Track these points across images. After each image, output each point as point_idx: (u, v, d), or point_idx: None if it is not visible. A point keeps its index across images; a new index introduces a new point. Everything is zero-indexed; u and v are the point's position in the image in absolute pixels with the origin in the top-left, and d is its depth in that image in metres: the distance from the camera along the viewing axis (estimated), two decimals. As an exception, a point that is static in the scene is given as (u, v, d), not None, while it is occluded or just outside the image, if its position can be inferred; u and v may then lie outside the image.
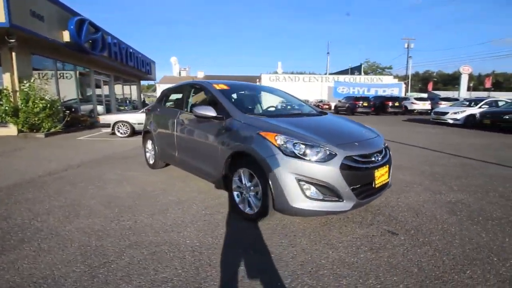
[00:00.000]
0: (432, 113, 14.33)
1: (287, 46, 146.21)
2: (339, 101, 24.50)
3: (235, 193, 2.75)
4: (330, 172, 2.20)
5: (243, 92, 3.75)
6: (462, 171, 4.47)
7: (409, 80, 37.13)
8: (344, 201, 2.25)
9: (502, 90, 49.05)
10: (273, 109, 3.80)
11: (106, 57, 11.95)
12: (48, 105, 8.47)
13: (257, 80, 36.09)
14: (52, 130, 8.78)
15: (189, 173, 3.79)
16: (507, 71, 66.77)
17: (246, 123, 2.69)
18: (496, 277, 1.79)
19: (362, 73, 41.45)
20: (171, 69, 45.27)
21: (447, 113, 12.91)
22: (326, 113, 3.50)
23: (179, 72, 46.75)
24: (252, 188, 2.54)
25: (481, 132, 10.18)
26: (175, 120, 3.74)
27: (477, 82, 54.37)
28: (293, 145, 2.27)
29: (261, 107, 3.74)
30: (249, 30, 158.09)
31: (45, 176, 4.24)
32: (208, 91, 3.42)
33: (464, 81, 34.14)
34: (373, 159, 2.46)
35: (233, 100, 3.31)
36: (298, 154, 2.24)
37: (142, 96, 21.01)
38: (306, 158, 2.23)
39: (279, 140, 2.32)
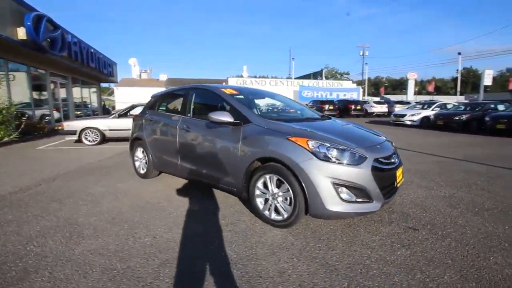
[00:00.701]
0: (392, 116, 15.62)
1: (250, 50, 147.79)
2: (306, 104, 25.48)
3: (258, 200, 2.69)
4: (363, 175, 2.27)
5: (251, 97, 3.70)
6: (440, 168, 4.95)
7: (366, 85, 40.12)
8: (374, 201, 2.34)
9: (441, 94, 55.52)
10: (286, 114, 3.81)
11: (65, 57, 10.83)
12: (3, 111, 7.39)
13: (224, 83, 35.90)
14: (6, 139, 7.67)
15: (191, 181, 3.62)
16: (444, 77, 75.87)
17: (269, 128, 2.66)
18: (517, 262, 2.02)
19: (324, 78, 43.67)
20: (130, 71, 42.60)
21: (405, 115, 14.22)
22: (331, 118, 3.61)
23: (140, 75, 44.26)
24: (280, 194, 2.50)
25: (436, 132, 11.39)
26: (177, 126, 3.54)
27: (420, 87, 60.84)
28: (326, 149, 2.31)
29: (276, 112, 3.67)
30: (212, 33, 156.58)
31: (17, 193, 3.69)
32: (218, 95, 3.31)
33: (411, 86, 38.08)
34: (392, 160, 2.61)
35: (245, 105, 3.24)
36: (332, 158, 2.28)
37: (102, 100, 19.45)
38: (339, 161, 2.27)
39: (312, 145, 2.34)
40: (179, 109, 3.75)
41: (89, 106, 16.55)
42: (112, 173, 4.75)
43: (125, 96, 35.83)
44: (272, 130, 2.62)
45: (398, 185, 2.62)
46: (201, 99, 3.68)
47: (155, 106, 4.29)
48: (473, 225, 2.62)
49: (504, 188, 3.76)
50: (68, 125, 8.15)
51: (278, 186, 2.52)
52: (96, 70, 13.81)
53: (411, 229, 2.55)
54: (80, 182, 4.18)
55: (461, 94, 39.51)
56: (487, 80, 27.10)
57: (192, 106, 3.62)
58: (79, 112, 14.78)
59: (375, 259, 2.05)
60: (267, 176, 2.57)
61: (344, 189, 2.26)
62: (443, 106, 14.39)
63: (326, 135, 2.49)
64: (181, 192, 3.67)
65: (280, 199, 2.52)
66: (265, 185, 2.62)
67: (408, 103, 22.31)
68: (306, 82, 37.46)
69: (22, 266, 2.02)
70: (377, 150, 2.51)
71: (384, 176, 2.44)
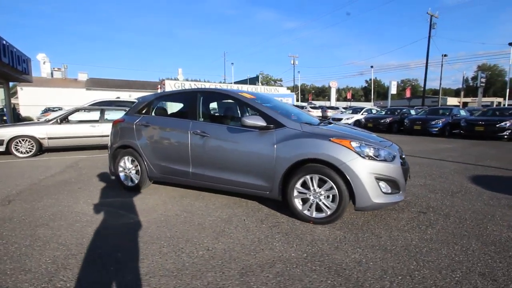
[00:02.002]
0: (331, 119, 17.54)
1: (183, 53, 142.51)
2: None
3: (296, 200, 2.80)
4: (396, 169, 2.65)
5: (268, 103, 3.72)
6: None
7: (299, 92, 43.61)
8: (401, 192, 2.74)
9: (355, 101, 64.73)
10: (300, 117, 3.93)
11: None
12: None
13: (159, 86, 33.69)
14: None
15: (210, 188, 3.44)
16: (355, 86, 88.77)
17: (306, 131, 2.80)
18: None
19: (260, 83, 45.58)
20: (38, 68, 35.90)
21: (342, 119, 16.20)
22: (332, 122, 3.97)
23: (51, 73, 37.74)
24: (323, 192, 2.67)
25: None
26: (189, 132, 3.33)
27: (338, 94, 69.67)
28: (368, 148, 2.60)
29: (298, 116, 3.63)
30: (144, 34, 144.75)
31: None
32: (238, 99, 3.29)
33: (333, 93, 43.18)
34: (404, 157, 3.08)
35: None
36: (373, 156, 2.58)
37: (13, 104, 15.82)
38: (379, 159, 2.59)
39: (355, 145, 2.59)
40: (187, 113, 3.53)
41: (5, 109, 13.37)
42: (87, 188, 4.08)
43: (32, 98, 29.89)
44: (311, 133, 2.77)
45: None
46: (217, 103, 3.56)
47: (149, 110, 3.90)
48: (458, 205, 3.30)
49: (452, 175, 4.79)
50: (-12, 133, 6.50)
51: (320, 186, 2.69)
52: (9, 66, 11.22)
53: (421, 213, 3.06)
54: (53, 203, 3.47)
55: (369, 101, 47.01)
56: (393, 89, 33.01)
57: (203, 110, 3.47)
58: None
59: (417, 239, 2.42)
60: (308, 177, 2.71)
61: (383, 183, 2.58)
62: (369, 111, 16.95)
63: (359, 136, 2.79)
64: (192, 201, 3.45)
65: (322, 197, 2.69)
66: (304, 185, 2.75)
67: (337, 108, 25.32)
68: (244, 87, 38.57)
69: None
70: (395, 150, 2.94)
71: (406, 170, 2.88)
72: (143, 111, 3.94)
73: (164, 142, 3.57)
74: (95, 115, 7.73)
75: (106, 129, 7.12)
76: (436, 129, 11.58)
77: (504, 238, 2.45)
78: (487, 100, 43.67)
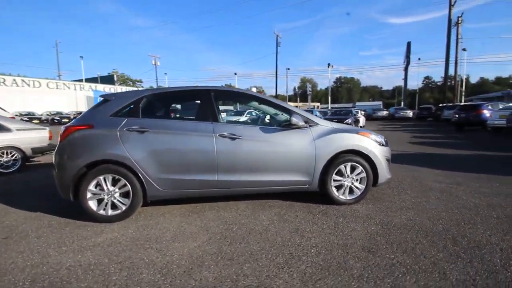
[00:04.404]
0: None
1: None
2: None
3: (334, 188, 3.20)
4: (390, 151, 3.57)
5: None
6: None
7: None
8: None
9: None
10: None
11: None
12: None
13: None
14: None
15: (240, 194, 3.19)
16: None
17: (336, 128, 3.24)
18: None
19: (116, 83, 39.77)
20: None
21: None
22: None
23: None
24: (354, 177, 3.22)
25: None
26: (213, 135, 2.96)
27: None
28: (379, 138, 3.37)
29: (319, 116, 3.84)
30: None
31: None
32: (263, 99, 3.27)
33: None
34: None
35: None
36: (383, 143, 3.38)
37: None
38: (384, 145, 3.42)
39: (373, 137, 3.31)
40: (202, 115, 3.08)
41: None
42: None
43: None
44: (341, 129, 3.25)
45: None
46: (229, 103, 3.29)
47: (135, 111, 3.03)
48: (441, 194, 3.96)
49: (421, 164, 6.00)
50: None
51: (351, 172, 3.22)
52: None
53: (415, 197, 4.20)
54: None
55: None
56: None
57: (219, 111, 3.14)
58: None
59: (431, 207, 3.30)
60: (341, 166, 3.18)
61: (387, 162, 3.44)
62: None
63: (365, 130, 3.55)
64: (209, 214, 3.09)
65: (354, 181, 3.24)
66: (340, 174, 3.20)
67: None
68: (100, 86, 32.12)
69: None
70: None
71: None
72: (125, 113, 3.02)
73: (178, 149, 2.94)
74: None
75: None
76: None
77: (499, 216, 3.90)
78: (307, 104, 58.11)
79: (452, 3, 24.77)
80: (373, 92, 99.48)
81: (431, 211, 3.06)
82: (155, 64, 45.24)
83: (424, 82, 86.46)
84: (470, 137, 11.03)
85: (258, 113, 4.10)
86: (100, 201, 2.88)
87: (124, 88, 36.82)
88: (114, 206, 2.90)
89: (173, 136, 2.96)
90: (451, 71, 27.44)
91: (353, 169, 3.22)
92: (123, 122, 2.93)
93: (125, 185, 2.88)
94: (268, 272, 1.96)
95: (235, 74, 43.03)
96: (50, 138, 6.06)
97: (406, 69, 35.88)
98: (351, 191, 3.26)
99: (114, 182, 2.88)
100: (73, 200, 2.88)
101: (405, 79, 37.23)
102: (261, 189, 3.14)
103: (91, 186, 2.83)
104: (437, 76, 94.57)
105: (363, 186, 3.25)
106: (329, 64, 42.74)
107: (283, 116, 3.35)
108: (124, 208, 2.90)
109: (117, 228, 2.75)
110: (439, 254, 2.16)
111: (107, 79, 39.10)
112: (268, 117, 4.32)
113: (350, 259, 2.11)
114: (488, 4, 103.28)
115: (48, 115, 25.61)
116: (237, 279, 1.89)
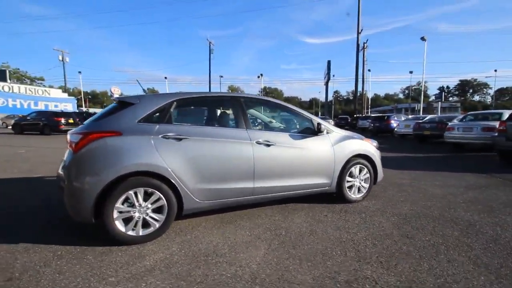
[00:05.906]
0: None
1: None
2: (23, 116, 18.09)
3: (347, 189, 3.62)
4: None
5: None
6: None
7: (82, 96, 35.75)
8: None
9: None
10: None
11: None
12: None
13: None
14: None
15: (270, 200, 3.23)
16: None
17: (345, 135, 3.67)
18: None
19: (9, 80, 32.08)
20: None
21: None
22: None
23: None
24: (362, 177, 3.71)
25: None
26: (251, 142, 2.97)
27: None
28: (375, 143, 3.97)
29: None
30: None
31: None
32: (287, 107, 3.48)
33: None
34: None
35: None
36: (377, 146, 4.00)
37: None
38: (378, 147, 4.05)
39: (372, 142, 3.88)
40: (237, 122, 3.04)
41: None
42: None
43: None
44: (349, 136, 3.70)
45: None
46: (254, 111, 3.34)
47: (166, 116, 2.75)
48: (412, 188, 5.45)
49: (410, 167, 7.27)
50: None
51: (359, 172, 3.71)
52: None
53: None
54: None
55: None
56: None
57: (247, 118, 3.16)
58: None
59: (423, 206, 4.07)
60: (353, 168, 3.64)
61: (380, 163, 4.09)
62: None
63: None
64: (246, 223, 3.08)
65: (361, 181, 3.73)
66: (351, 175, 3.64)
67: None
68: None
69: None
70: None
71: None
72: (156, 119, 2.72)
73: (218, 157, 2.81)
74: None
75: None
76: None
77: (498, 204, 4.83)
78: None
79: (360, 31, 30.02)
80: (293, 103, 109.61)
81: (419, 202, 3.80)
82: (63, 61, 38.75)
83: (334, 95, 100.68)
84: (385, 142, 13.52)
85: (273, 120, 4.27)
86: (127, 220, 2.50)
87: (22, 87, 29.98)
88: (145, 225, 2.56)
89: (212, 143, 2.82)
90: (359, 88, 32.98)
91: (360, 170, 3.72)
92: (156, 129, 2.64)
93: (159, 199, 2.58)
94: (352, 265, 2.16)
95: (166, 78, 40.71)
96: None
97: (327, 84, 40.97)
98: (359, 190, 3.75)
99: (146, 197, 2.55)
100: (94, 221, 2.41)
101: (326, 92, 42.44)
102: (289, 193, 3.28)
103: (119, 203, 2.44)
104: (343, 90, 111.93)
105: (367, 185, 3.78)
106: (260, 75, 45.26)
107: (304, 123, 3.58)
108: (157, 225, 2.59)
109: (156, 249, 2.44)
110: (454, 232, 2.77)
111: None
112: (288, 124, 4.58)
113: (402, 245, 2.49)
114: (376, 34, 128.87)
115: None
116: (333, 276, 2.01)
